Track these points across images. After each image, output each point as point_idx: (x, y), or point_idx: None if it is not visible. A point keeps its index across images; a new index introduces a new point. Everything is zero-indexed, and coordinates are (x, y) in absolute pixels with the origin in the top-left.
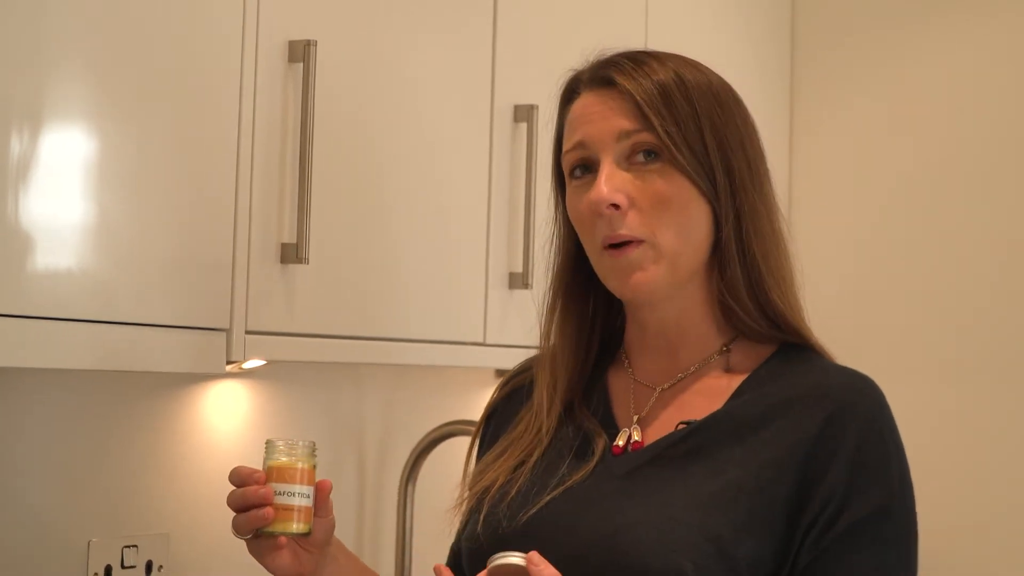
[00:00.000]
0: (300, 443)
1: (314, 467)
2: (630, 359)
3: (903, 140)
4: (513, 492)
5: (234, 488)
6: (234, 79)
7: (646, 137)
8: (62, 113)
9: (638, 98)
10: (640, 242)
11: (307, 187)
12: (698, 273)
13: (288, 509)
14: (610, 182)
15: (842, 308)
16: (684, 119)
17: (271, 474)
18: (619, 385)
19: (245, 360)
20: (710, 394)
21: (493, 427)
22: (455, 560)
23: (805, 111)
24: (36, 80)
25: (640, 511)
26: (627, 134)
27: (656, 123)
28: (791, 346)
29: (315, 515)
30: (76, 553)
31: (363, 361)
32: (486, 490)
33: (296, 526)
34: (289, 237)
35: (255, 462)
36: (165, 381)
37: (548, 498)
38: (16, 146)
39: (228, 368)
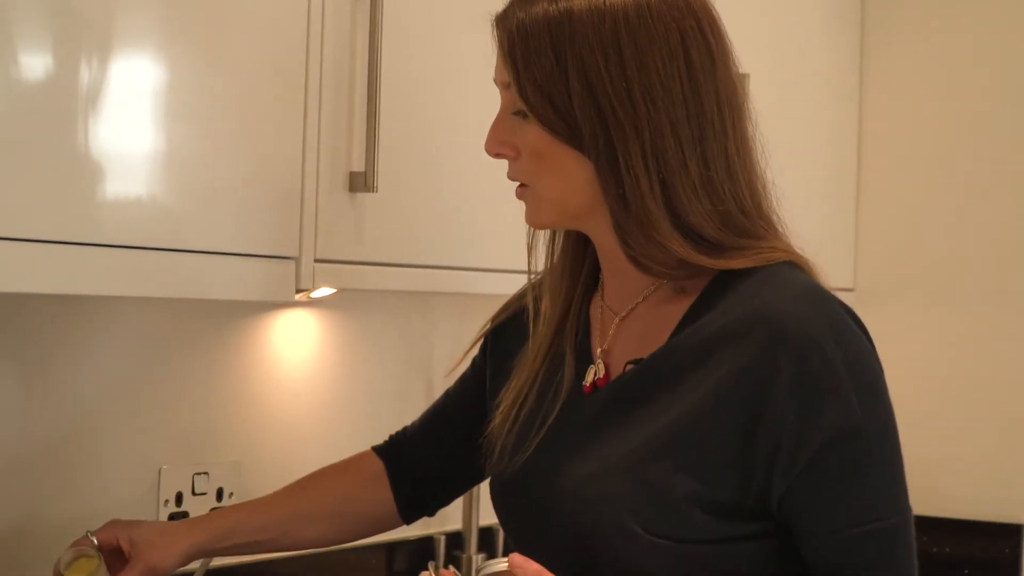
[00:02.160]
0: (70, 566)
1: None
2: (603, 286)
3: (981, 73)
4: (512, 435)
5: None
6: (302, 5)
7: (514, 92)
8: (131, 41)
9: (505, 48)
10: (526, 186)
11: (376, 115)
12: (599, 207)
13: None
14: (493, 133)
15: (912, 243)
16: (547, 67)
17: None
18: (595, 313)
19: (314, 289)
20: (661, 323)
21: (500, 349)
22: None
23: (877, 44)
24: (105, 8)
25: (589, 465)
26: (506, 86)
27: (516, 77)
28: None
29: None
30: (147, 481)
31: (432, 290)
32: (498, 426)
33: None
34: (358, 165)
35: (323, 390)
36: (234, 310)
37: (535, 442)
38: (85, 75)
39: (297, 297)
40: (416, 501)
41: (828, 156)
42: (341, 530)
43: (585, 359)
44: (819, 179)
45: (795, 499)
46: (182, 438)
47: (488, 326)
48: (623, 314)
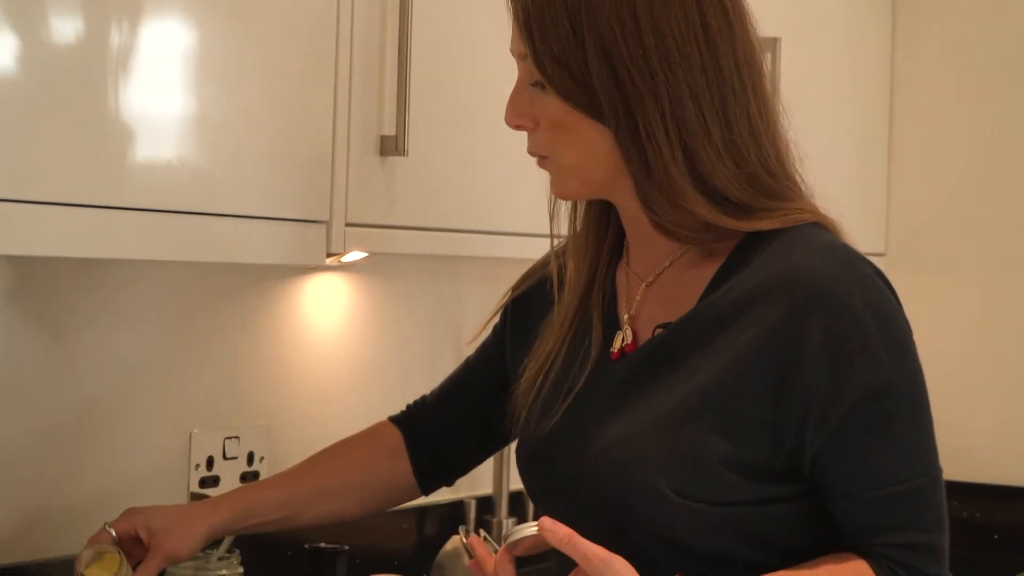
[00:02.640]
0: (92, 564)
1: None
2: (628, 251)
3: (1018, 33)
4: (538, 402)
5: None
6: None
7: (531, 63)
8: (161, 4)
9: (520, 19)
10: (546, 157)
11: (406, 79)
12: (622, 176)
13: None
14: (512, 105)
15: (943, 208)
16: (563, 38)
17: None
18: (621, 279)
19: (345, 252)
20: (689, 287)
21: (522, 317)
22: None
23: (909, 3)
24: None
25: (619, 429)
26: (523, 57)
27: (532, 49)
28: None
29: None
30: (178, 445)
31: (462, 254)
32: (523, 394)
33: None
34: (389, 129)
35: (353, 354)
36: (265, 274)
37: (562, 409)
38: (116, 37)
39: (328, 261)
40: (434, 471)
41: (859, 120)
42: (361, 504)
43: (612, 325)
44: (851, 143)
45: (826, 459)
46: (212, 403)
47: (509, 295)
48: (649, 279)
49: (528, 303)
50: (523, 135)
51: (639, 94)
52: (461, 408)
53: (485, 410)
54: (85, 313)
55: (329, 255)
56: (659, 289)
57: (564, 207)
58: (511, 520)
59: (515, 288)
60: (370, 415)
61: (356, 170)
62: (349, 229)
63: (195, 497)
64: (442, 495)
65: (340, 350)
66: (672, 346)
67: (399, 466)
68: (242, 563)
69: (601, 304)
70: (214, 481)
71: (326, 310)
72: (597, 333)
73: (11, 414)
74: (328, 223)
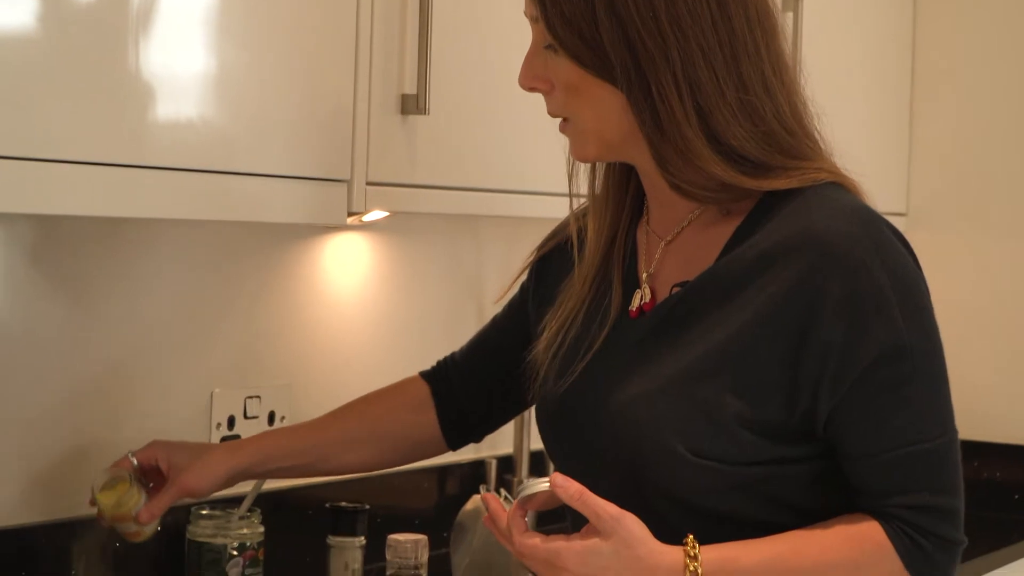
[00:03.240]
0: (106, 488)
1: (135, 498)
2: (649, 211)
3: None
4: (556, 360)
5: None
6: None
7: (543, 26)
8: None
9: None
10: (567, 120)
11: (427, 37)
12: (637, 137)
13: (126, 533)
14: (526, 68)
15: (965, 168)
16: (574, 0)
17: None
18: (642, 238)
19: (366, 211)
20: (707, 246)
21: (546, 276)
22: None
23: None
24: None
25: (635, 387)
26: (535, 20)
27: (544, 12)
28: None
29: (157, 513)
30: (200, 404)
31: (483, 213)
32: (543, 352)
33: (138, 540)
34: (410, 88)
35: (374, 314)
36: (286, 233)
37: (580, 367)
38: None
39: (349, 220)
40: (462, 427)
41: (881, 78)
42: (384, 454)
43: (632, 284)
44: (872, 103)
45: (841, 420)
46: (233, 362)
47: (535, 254)
48: (669, 238)
49: (552, 262)
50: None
51: (650, 56)
52: (487, 366)
53: (511, 368)
54: (108, 272)
55: (350, 214)
56: (678, 248)
57: (583, 168)
58: (531, 480)
59: (540, 247)
60: (390, 374)
61: (377, 129)
62: (370, 188)
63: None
64: (463, 455)
65: (361, 309)
66: (689, 305)
67: (425, 419)
68: (263, 522)
69: (621, 263)
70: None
71: (347, 269)
72: (617, 292)
73: (34, 373)
74: (349, 182)
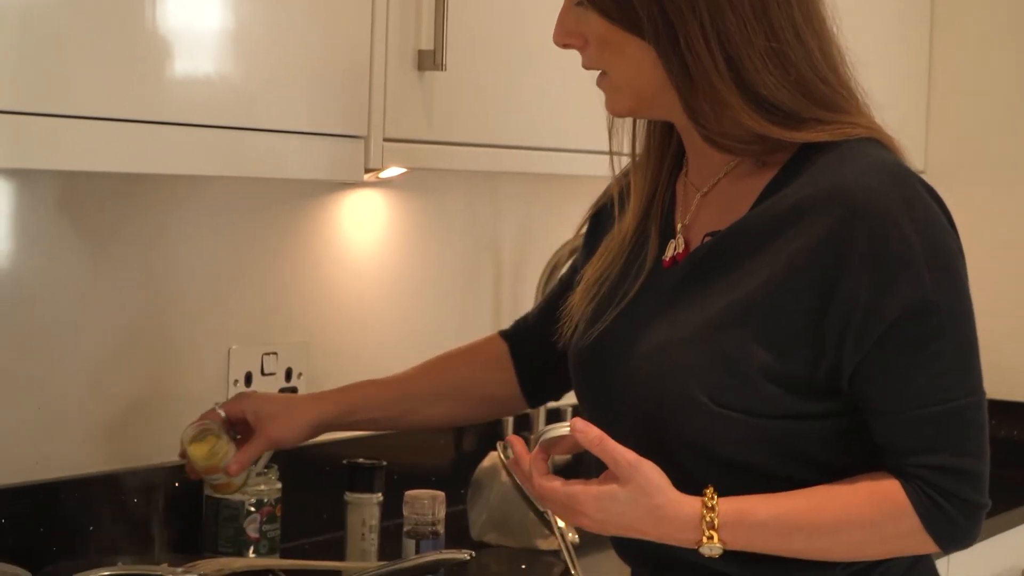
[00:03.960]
0: (195, 440)
1: (224, 449)
2: (687, 163)
3: None
4: (590, 308)
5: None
6: None
7: None
8: None
9: None
10: (604, 73)
11: None
12: (670, 90)
13: (215, 485)
14: (560, 24)
15: (984, 125)
16: None
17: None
18: (680, 190)
19: (383, 168)
20: (741, 197)
21: (596, 233)
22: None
23: None
24: None
25: (662, 335)
26: None
27: None
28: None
29: (246, 463)
30: (217, 361)
31: (500, 169)
32: (579, 302)
33: (228, 492)
34: (427, 43)
35: (391, 271)
36: (303, 190)
37: (613, 315)
38: None
39: (366, 177)
40: (539, 385)
41: (900, 33)
42: (466, 410)
43: (668, 235)
44: (890, 59)
45: (865, 376)
46: (251, 319)
47: (591, 210)
48: (704, 190)
49: (602, 220)
50: (562, 51)
51: (677, 8)
52: (556, 325)
53: None
54: (127, 229)
55: (367, 171)
56: (713, 200)
57: (624, 124)
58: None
59: (595, 204)
60: (407, 330)
61: (394, 85)
62: (387, 144)
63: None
64: None
65: (378, 266)
66: (720, 254)
67: (505, 377)
68: (280, 478)
69: (660, 215)
70: None
71: (364, 226)
72: (653, 242)
73: (54, 328)
74: (366, 138)
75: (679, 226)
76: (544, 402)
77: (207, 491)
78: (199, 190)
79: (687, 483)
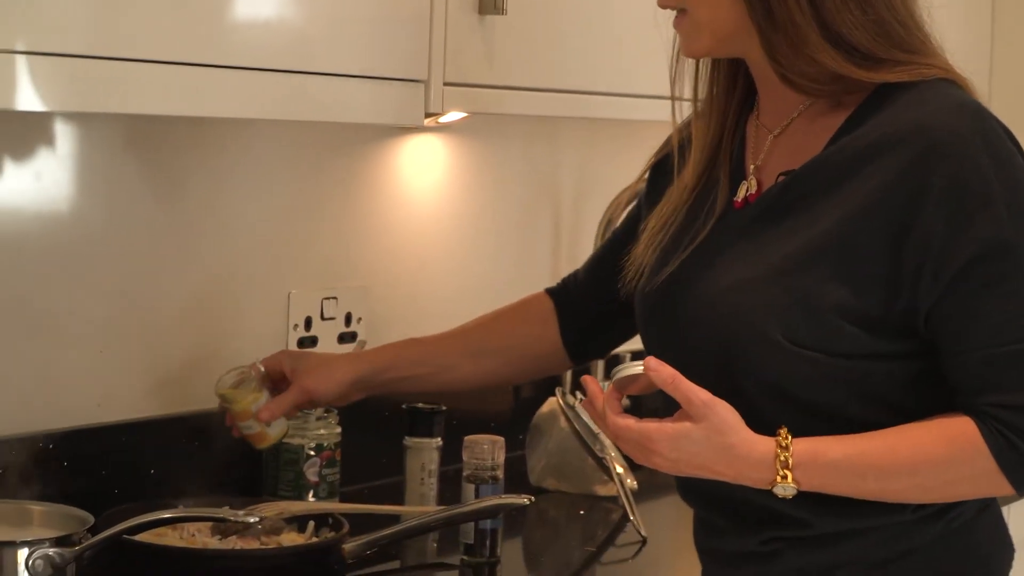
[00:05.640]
0: (228, 387)
1: (254, 394)
2: (759, 104)
3: None
4: (655, 256)
5: None
6: None
7: None
8: None
9: None
10: (684, 11)
11: None
12: (749, 28)
13: (249, 436)
14: None
15: None
16: None
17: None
18: (751, 132)
19: (443, 112)
20: (815, 136)
21: (657, 184)
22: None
23: None
24: None
25: (736, 274)
26: None
27: None
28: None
29: (277, 413)
30: (277, 305)
31: (560, 114)
32: (642, 250)
33: (262, 445)
34: None
35: (449, 216)
36: (364, 135)
37: (682, 258)
38: None
39: (426, 121)
40: (584, 341)
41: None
42: (506, 367)
43: (738, 177)
44: (954, 9)
45: (939, 314)
46: (310, 263)
47: (651, 160)
48: (777, 131)
49: (662, 171)
50: None
51: None
52: (606, 280)
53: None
54: (188, 174)
55: (427, 115)
56: (786, 140)
57: (687, 71)
58: (606, 382)
59: (656, 154)
60: (466, 276)
61: (454, 29)
62: (448, 88)
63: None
64: None
65: (437, 211)
66: (794, 193)
67: (549, 334)
68: (340, 423)
69: (729, 158)
70: (312, 341)
71: (424, 171)
72: (723, 185)
73: (116, 271)
74: (426, 82)
75: (751, 167)
76: (589, 359)
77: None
78: (259, 135)
79: (760, 424)
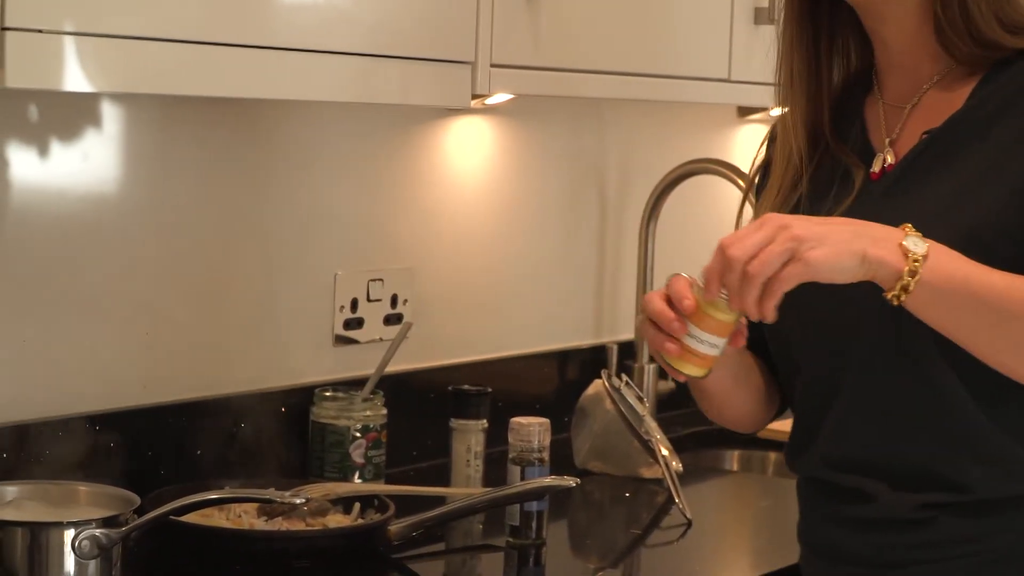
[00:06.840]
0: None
1: (735, 319)
2: (879, 82)
3: None
4: None
5: (659, 298)
6: None
7: None
8: None
9: None
10: None
11: None
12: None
13: (692, 353)
14: None
15: None
16: None
17: (696, 313)
18: (872, 111)
19: (490, 94)
20: (953, 99)
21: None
22: None
23: None
24: None
25: (891, 222)
26: None
27: None
28: None
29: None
30: (323, 286)
31: (606, 96)
32: None
33: (693, 370)
34: None
35: (496, 198)
36: (410, 116)
37: None
38: None
39: (472, 103)
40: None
41: None
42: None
43: (867, 155)
44: None
45: None
46: (356, 245)
47: (754, 174)
48: (913, 102)
49: (765, 172)
50: None
51: None
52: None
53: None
54: (235, 154)
55: (474, 97)
56: (920, 111)
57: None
58: (652, 366)
59: (757, 166)
60: (512, 258)
61: (501, 11)
62: (494, 70)
63: (339, 340)
64: (583, 339)
65: (483, 193)
66: (940, 146)
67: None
68: (385, 404)
69: (860, 136)
70: (359, 323)
71: (470, 153)
72: (856, 165)
73: (163, 253)
74: (473, 64)
75: (886, 141)
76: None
77: (312, 417)
78: (305, 117)
79: (931, 387)
